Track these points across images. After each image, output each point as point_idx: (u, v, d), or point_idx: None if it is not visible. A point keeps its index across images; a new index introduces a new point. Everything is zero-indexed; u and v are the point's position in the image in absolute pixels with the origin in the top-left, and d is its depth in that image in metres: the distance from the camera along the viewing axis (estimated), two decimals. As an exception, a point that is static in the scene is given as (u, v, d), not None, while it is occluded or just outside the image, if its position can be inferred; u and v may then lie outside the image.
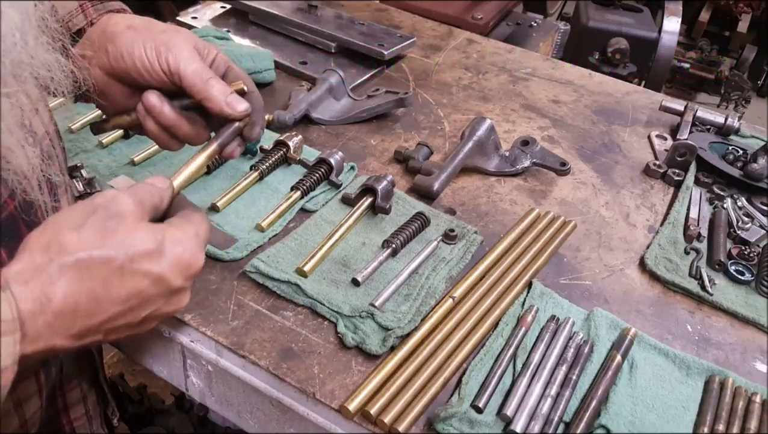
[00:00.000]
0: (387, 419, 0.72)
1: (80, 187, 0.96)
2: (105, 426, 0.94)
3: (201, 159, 0.77)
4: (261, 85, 1.32)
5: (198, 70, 0.77)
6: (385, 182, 1.02)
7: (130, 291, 0.58)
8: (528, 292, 0.92)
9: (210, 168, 1.06)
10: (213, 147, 0.79)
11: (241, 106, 0.78)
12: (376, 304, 0.84)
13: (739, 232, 1.07)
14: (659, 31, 2.48)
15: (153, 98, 0.77)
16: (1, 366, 0.48)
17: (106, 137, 1.08)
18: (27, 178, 0.60)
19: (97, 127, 0.89)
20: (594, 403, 0.77)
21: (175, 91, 0.79)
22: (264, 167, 1.05)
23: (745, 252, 1.02)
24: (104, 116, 0.86)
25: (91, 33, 0.79)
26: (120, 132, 1.09)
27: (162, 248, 0.59)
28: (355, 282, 0.89)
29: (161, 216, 0.69)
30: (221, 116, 0.78)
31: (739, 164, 1.21)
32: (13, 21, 0.55)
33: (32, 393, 0.71)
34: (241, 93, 0.81)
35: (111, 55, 0.77)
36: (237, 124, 0.80)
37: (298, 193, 1.02)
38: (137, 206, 0.61)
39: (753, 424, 0.77)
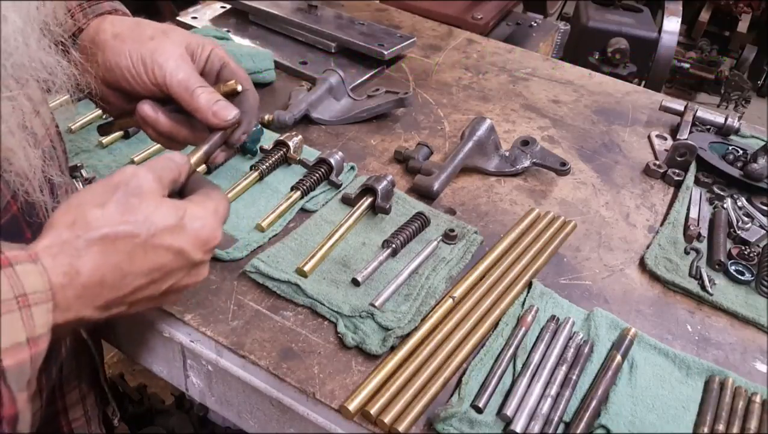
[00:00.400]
0: (387, 419, 0.72)
1: (81, 187, 0.96)
2: (103, 426, 0.93)
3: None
4: (261, 85, 1.32)
5: (183, 81, 0.75)
6: (385, 182, 1.02)
7: (153, 265, 0.60)
8: (528, 292, 0.92)
9: (210, 168, 1.06)
10: (198, 155, 0.74)
11: (230, 114, 0.75)
12: (376, 304, 0.84)
13: (739, 232, 1.07)
14: (659, 31, 2.48)
15: (147, 109, 0.77)
16: (36, 334, 0.50)
17: (107, 137, 1.08)
18: (29, 179, 0.61)
19: (103, 129, 0.89)
20: (594, 403, 0.77)
21: (169, 98, 0.77)
22: (264, 167, 1.05)
23: (745, 252, 1.02)
24: (104, 116, 0.86)
25: (83, 40, 0.77)
26: (120, 133, 1.09)
27: (182, 224, 0.61)
28: (355, 282, 0.89)
29: (179, 192, 0.69)
30: (210, 127, 0.76)
31: (739, 164, 1.21)
32: (16, 24, 0.55)
33: (34, 394, 0.72)
34: (234, 93, 0.78)
35: (102, 65, 0.76)
36: (224, 131, 0.77)
37: (298, 193, 1.02)
38: (157, 182, 0.62)
39: (753, 424, 0.77)
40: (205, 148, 0.75)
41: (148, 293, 0.61)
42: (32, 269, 0.52)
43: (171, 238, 0.60)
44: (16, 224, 0.63)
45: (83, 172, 0.99)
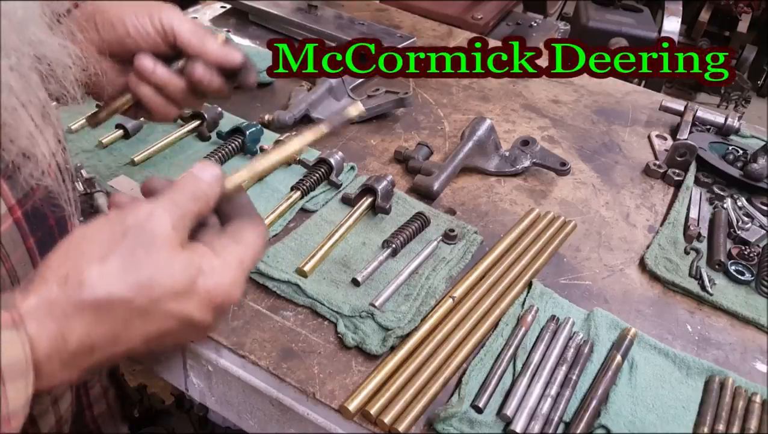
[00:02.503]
0: (387, 419, 0.72)
1: (80, 187, 0.96)
2: (125, 420, 0.94)
3: (281, 154, 0.68)
4: (261, 85, 1.33)
5: (192, 28, 0.77)
6: (385, 182, 1.02)
7: (152, 331, 0.53)
8: (528, 292, 0.92)
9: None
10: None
11: (238, 57, 0.79)
12: (376, 304, 0.84)
13: (739, 232, 1.07)
14: (659, 31, 2.49)
15: (145, 61, 0.75)
16: (10, 411, 0.45)
17: (107, 137, 1.08)
18: (30, 158, 0.56)
19: (92, 118, 0.83)
20: (594, 403, 0.77)
21: (167, 55, 0.77)
22: (264, 167, 1.05)
23: (745, 252, 1.02)
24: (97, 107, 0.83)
25: (77, 12, 0.75)
26: (120, 132, 1.10)
27: (193, 286, 0.53)
28: (355, 282, 0.88)
29: (221, 216, 0.61)
30: (220, 68, 0.78)
31: (739, 164, 1.21)
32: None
33: (65, 389, 0.72)
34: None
35: (100, 26, 0.74)
36: (343, 115, 0.72)
37: (298, 193, 1.02)
38: (174, 229, 0.53)
39: (753, 424, 0.77)
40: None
41: (142, 351, 0.55)
42: (13, 339, 0.46)
43: (176, 304, 0.52)
44: (19, 228, 0.62)
45: (83, 172, 0.99)
